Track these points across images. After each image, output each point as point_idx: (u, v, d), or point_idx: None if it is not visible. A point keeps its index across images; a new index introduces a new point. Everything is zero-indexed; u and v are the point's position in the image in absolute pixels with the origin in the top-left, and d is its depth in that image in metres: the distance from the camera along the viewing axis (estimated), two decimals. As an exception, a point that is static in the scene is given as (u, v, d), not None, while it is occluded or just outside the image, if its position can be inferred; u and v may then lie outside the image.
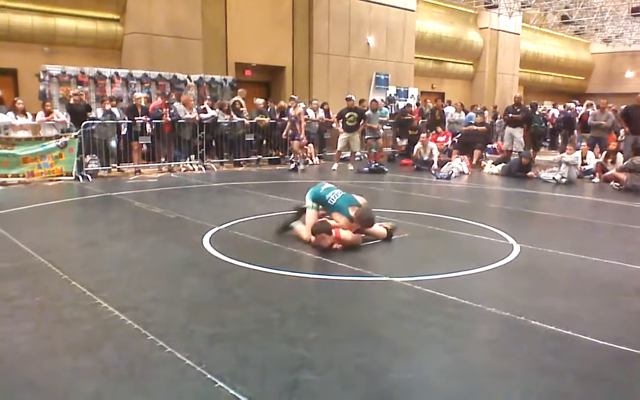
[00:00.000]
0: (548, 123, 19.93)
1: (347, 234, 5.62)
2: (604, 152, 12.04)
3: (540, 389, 2.96)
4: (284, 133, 13.17)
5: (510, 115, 13.87)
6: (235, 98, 14.06)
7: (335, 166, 13.15)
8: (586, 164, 12.15)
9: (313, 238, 5.61)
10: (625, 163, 10.72)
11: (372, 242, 5.92)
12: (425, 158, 13.20)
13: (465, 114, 16.29)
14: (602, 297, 4.44)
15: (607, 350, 3.39)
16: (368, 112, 14.20)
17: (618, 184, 10.58)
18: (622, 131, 13.68)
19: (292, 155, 13.22)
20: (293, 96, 13.71)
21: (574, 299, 4.35)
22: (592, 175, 11.83)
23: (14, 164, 10.00)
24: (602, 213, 8.72)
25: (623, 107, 13.17)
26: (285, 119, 13.40)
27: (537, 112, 15.47)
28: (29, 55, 13.60)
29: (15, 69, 13.82)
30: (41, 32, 13.82)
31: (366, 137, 14.49)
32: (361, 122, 13.34)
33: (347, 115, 13.18)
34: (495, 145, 16.67)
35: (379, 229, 6.02)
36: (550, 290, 4.54)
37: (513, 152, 13.61)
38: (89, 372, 3.04)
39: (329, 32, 18.68)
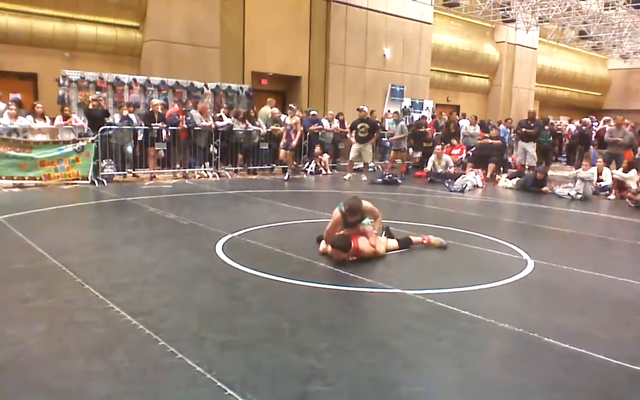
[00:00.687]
0: (564, 138, 19.81)
1: (365, 245, 5.61)
2: (620, 169, 11.92)
3: (553, 407, 2.93)
4: (282, 143, 13.03)
5: (524, 129, 13.80)
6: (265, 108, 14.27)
7: (347, 176, 13.17)
8: (602, 180, 12.03)
9: (330, 248, 5.61)
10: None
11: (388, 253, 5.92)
12: (440, 170, 13.17)
13: (481, 127, 16.23)
14: (616, 315, 4.39)
15: (621, 370, 3.34)
16: (391, 124, 14.29)
17: (634, 202, 10.46)
18: (639, 149, 13.56)
19: (307, 164, 13.28)
20: (291, 105, 13.78)
21: (588, 317, 4.30)
22: (607, 192, 11.71)
23: (31, 167, 10.13)
24: (618, 230, 8.63)
25: None
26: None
27: (546, 127, 15.38)
28: (49, 60, 13.79)
29: (36, 74, 14.03)
30: (62, 38, 14.01)
31: (392, 148, 14.54)
32: (374, 134, 13.36)
33: (359, 126, 13.23)
34: (510, 159, 16.57)
35: (366, 247, 5.79)
36: (564, 307, 4.49)
37: (526, 167, 13.53)
38: (101, 375, 3.07)
39: (345, 43, 18.75)
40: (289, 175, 12.78)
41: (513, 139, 17.44)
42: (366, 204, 5.91)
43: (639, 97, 32.49)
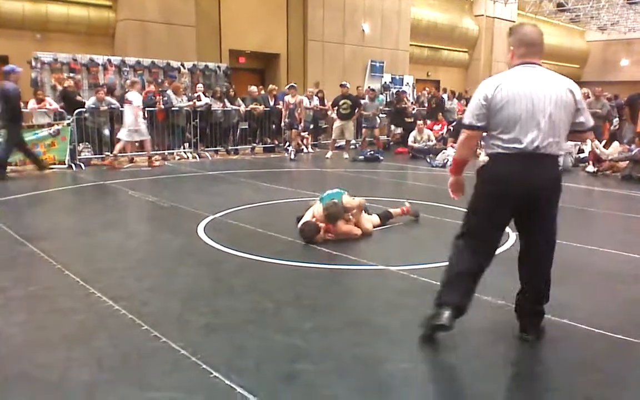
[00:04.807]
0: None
1: (340, 224, 5.57)
2: (603, 142, 12.01)
3: (537, 377, 2.96)
4: (285, 122, 13.00)
5: None
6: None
7: (329, 154, 13.10)
8: (582, 152, 12.13)
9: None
10: (633, 153, 10.61)
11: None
12: (423, 145, 13.12)
13: (458, 101, 16.24)
14: (598, 285, 4.44)
15: (603, 339, 3.38)
16: (365, 101, 14.14)
17: (610, 171, 10.58)
18: (615, 120, 13.69)
19: (287, 144, 13.19)
20: (293, 84, 13.53)
21: (570, 287, 4.33)
22: (586, 164, 11.83)
23: (6, 152, 9.89)
24: (597, 201, 8.74)
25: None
26: (279, 106, 13.41)
27: None
28: (20, 42, 13.43)
29: (7, 56, 13.63)
30: (32, 19, 13.65)
31: (363, 125, 14.42)
32: (356, 110, 13.27)
33: (341, 102, 13.11)
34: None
35: (349, 228, 5.67)
36: (546, 279, 4.52)
37: None
38: (83, 362, 3.02)
39: (323, 19, 18.55)
40: (294, 154, 12.67)
41: None
42: (347, 200, 5.68)
43: (617, 69, 32.81)
